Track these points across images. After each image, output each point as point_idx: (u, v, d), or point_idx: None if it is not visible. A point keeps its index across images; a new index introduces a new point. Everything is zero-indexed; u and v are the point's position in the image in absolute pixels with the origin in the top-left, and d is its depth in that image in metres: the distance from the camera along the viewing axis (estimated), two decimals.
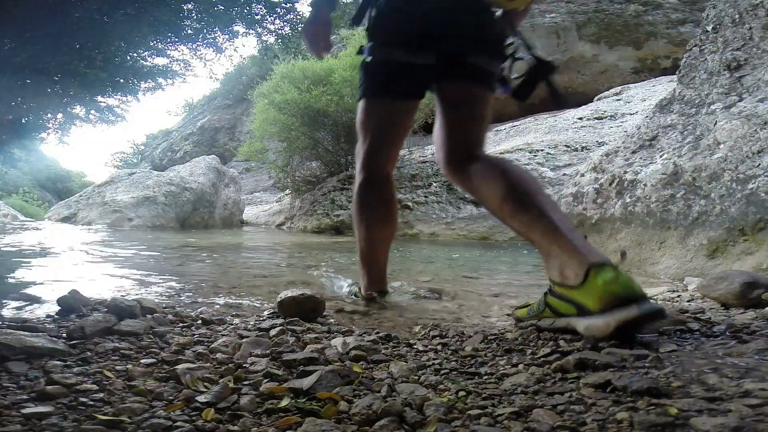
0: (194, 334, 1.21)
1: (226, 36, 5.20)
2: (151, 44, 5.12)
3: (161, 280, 2.16)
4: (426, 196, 6.28)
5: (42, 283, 1.97)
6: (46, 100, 5.18)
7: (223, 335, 1.20)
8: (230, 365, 0.97)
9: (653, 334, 1.12)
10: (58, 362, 0.92)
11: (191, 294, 1.85)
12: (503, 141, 8.16)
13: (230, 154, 15.13)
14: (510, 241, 5.33)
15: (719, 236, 2.14)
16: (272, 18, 5.09)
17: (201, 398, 0.80)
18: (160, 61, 5.50)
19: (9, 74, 4.27)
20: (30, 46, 4.09)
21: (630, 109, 7.67)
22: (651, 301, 1.04)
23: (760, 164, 2.07)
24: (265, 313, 1.48)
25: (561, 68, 11.53)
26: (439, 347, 1.16)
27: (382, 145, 1.59)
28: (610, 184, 2.90)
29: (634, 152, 2.90)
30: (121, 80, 5.33)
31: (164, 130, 22.79)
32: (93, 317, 1.18)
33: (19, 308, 1.43)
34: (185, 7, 4.69)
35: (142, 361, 0.98)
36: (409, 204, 6.29)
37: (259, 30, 5.17)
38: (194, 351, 1.06)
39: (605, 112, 7.87)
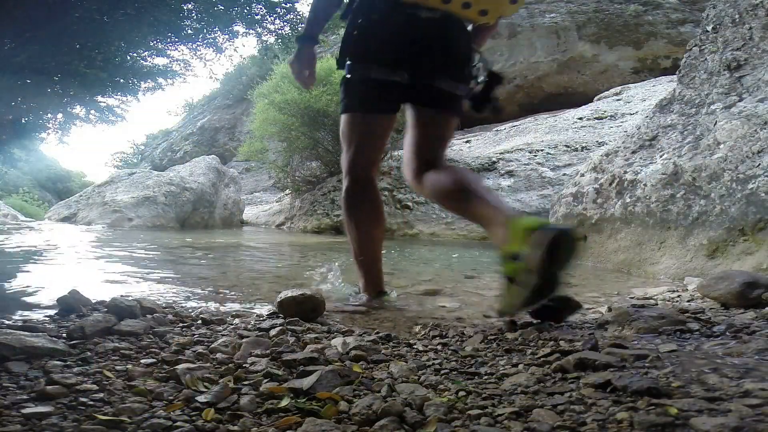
0: (194, 334, 1.21)
1: (226, 36, 5.21)
2: (151, 44, 5.12)
3: (161, 280, 2.16)
4: None
5: (42, 283, 1.97)
6: (46, 100, 5.18)
7: (223, 335, 1.20)
8: (230, 365, 0.97)
9: (653, 334, 1.12)
10: (58, 362, 0.92)
11: (191, 294, 1.85)
12: (503, 141, 8.16)
13: (230, 154, 15.14)
14: None
15: (719, 236, 2.14)
16: (272, 18, 5.09)
17: (201, 398, 0.80)
18: (160, 61, 5.51)
19: (9, 74, 4.27)
20: (30, 46, 4.09)
21: (630, 109, 7.68)
22: (553, 225, 1.23)
23: (760, 164, 2.07)
24: (265, 313, 1.48)
25: (560, 69, 11.54)
26: (439, 347, 1.16)
27: (364, 153, 1.70)
28: (610, 184, 2.90)
29: (634, 152, 2.90)
30: (121, 80, 5.33)
31: (164, 130, 22.79)
32: (93, 317, 1.18)
33: (19, 308, 1.43)
34: (185, 7, 4.69)
35: (142, 361, 0.98)
36: (409, 204, 6.29)
37: (259, 30, 5.17)
38: (194, 351, 1.06)
39: (605, 112, 7.87)
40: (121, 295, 1.41)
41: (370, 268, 1.78)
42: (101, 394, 0.80)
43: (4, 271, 2.39)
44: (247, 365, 0.97)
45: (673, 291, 1.86)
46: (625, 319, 1.25)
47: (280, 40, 5.34)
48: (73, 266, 2.65)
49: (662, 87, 8.12)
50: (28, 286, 1.88)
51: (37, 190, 23.37)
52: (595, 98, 9.45)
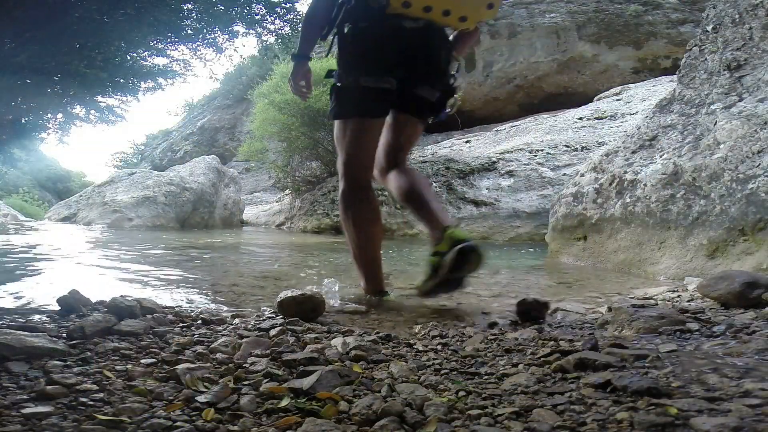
0: (194, 334, 1.21)
1: (226, 36, 5.20)
2: (151, 44, 5.11)
3: (161, 280, 2.16)
4: None
5: (42, 283, 1.97)
6: (46, 100, 5.18)
7: (223, 335, 1.20)
8: (230, 365, 0.97)
9: (653, 334, 1.12)
10: (58, 362, 0.92)
11: (191, 294, 1.85)
12: (503, 141, 8.16)
13: (230, 154, 15.13)
14: (510, 242, 5.33)
15: (719, 236, 2.14)
16: (272, 18, 5.08)
17: (201, 398, 0.80)
18: (160, 61, 5.50)
19: (9, 74, 4.26)
20: (30, 46, 4.09)
21: (630, 109, 7.67)
22: (473, 242, 1.58)
23: (760, 164, 2.07)
24: (265, 313, 1.48)
25: (560, 69, 11.54)
26: (439, 347, 1.16)
27: (357, 156, 1.75)
28: (610, 184, 2.90)
29: (634, 152, 2.90)
30: (121, 80, 5.32)
31: (164, 130, 22.77)
32: (93, 317, 1.18)
33: (19, 308, 1.43)
34: (185, 7, 4.69)
35: (142, 361, 0.98)
36: None
37: (259, 30, 5.17)
38: (194, 351, 1.06)
39: (605, 112, 7.86)
40: (121, 295, 1.41)
41: (369, 268, 1.81)
42: (101, 394, 0.80)
43: (4, 271, 2.39)
44: (247, 365, 0.97)
45: (673, 291, 1.86)
46: (625, 319, 1.25)
47: (280, 40, 5.33)
48: (73, 266, 2.65)
49: (662, 87, 8.12)
50: (28, 286, 1.88)
51: (37, 190, 23.36)
52: (595, 98, 9.44)
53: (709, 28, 2.80)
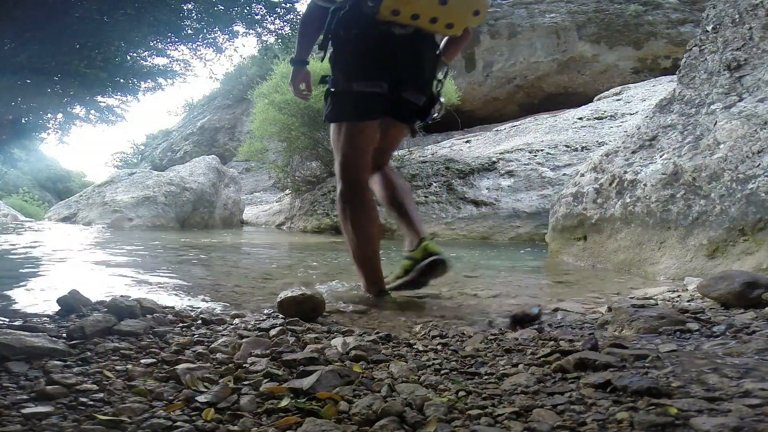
0: (194, 334, 1.21)
1: (226, 36, 5.20)
2: (151, 44, 5.11)
3: (161, 280, 2.16)
4: (426, 196, 6.28)
5: (42, 283, 1.97)
6: (46, 100, 5.18)
7: (223, 335, 1.20)
8: (230, 365, 0.97)
9: (653, 334, 1.12)
10: (58, 362, 0.92)
11: (191, 294, 1.85)
12: (503, 141, 8.16)
13: (230, 154, 15.13)
14: (510, 242, 5.33)
15: (719, 236, 2.14)
16: (272, 18, 5.09)
17: (201, 398, 0.80)
18: (160, 61, 5.51)
19: (9, 74, 4.26)
20: (30, 46, 4.09)
21: (630, 109, 7.67)
22: (443, 255, 1.78)
23: (760, 164, 2.07)
24: (265, 313, 1.48)
25: (560, 69, 11.54)
26: (439, 347, 1.16)
27: (353, 157, 1.79)
28: (610, 184, 2.90)
29: (634, 152, 2.90)
30: (121, 80, 5.33)
31: (164, 130, 22.78)
32: (93, 317, 1.18)
33: (19, 308, 1.43)
34: (185, 7, 4.69)
35: (142, 361, 0.98)
36: None
37: (259, 30, 5.17)
38: (194, 351, 1.06)
39: (605, 112, 7.86)
40: (121, 295, 1.41)
41: (369, 268, 1.83)
42: (101, 394, 0.80)
43: (4, 271, 2.39)
44: (247, 365, 0.97)
45: (673, 291, 1.86)
46: (625, 319, 1.25)
47: (280, 40, 5.33)
48: (73, 266, 2.65)
49: (662, 87, 8.12)
50: (28, 287, 1.88)
51: (37, 190, 23.37)
52: (595, 98, 9.44)
53: (709, 28, 2.80)
